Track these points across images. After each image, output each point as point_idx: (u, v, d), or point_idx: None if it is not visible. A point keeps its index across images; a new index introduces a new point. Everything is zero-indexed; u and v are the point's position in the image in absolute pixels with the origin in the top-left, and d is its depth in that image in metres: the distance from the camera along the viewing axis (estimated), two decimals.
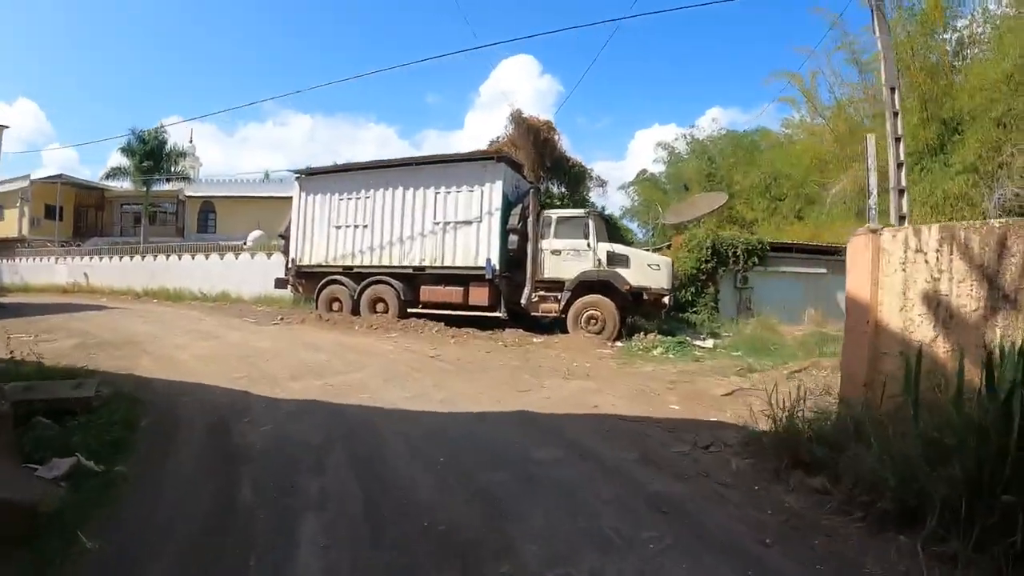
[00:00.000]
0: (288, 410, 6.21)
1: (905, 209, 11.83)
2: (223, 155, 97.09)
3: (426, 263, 13.96)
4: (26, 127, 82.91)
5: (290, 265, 15.79)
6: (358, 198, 14.84)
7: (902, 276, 4.73)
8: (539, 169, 17.73)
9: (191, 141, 42.93)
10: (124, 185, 35.11)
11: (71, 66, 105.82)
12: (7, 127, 28.49)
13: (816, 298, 17.92)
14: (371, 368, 8.80)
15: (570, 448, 5.07)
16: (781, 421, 4.73)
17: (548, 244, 13.23)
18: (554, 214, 13.59)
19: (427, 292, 13.92)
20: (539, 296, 13.29)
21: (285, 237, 16.27)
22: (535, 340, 12.50)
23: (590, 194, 20.68)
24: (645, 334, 12.63)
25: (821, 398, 5.28)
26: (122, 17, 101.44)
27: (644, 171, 33.74)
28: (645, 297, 12.62)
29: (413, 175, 14.25)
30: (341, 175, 15.25)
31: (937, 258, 4.50)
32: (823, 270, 17.87)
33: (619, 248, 13.35)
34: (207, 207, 36.82)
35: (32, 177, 35.08)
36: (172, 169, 34.08)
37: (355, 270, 14.80)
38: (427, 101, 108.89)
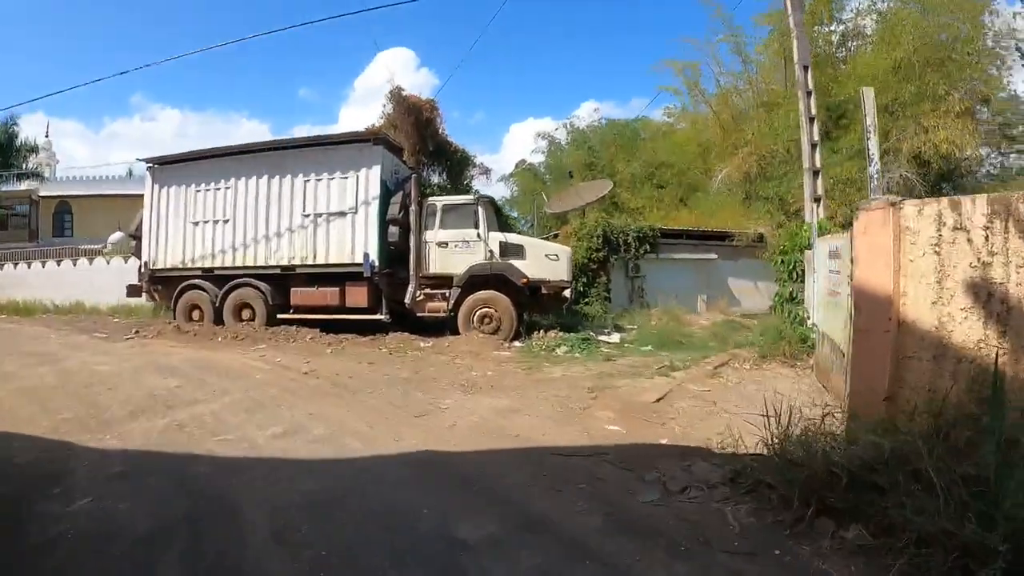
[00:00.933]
0: (117, 469, 4.49)
1: (820, 191, 11.41)
2: (90, 153, 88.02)
3: (296, 261, 12.21)
4: None
5: (143, 269, 13.50)
6: (217, 189, 12.81)
7: (934, 260, 3.81)
8: (420, 154, 16.16)
9: (47, 136, 38.06)
10: None
11: None
12: None
13: (707, 284, 17.85)
14: (233, 394, 7.10)
15: (506, 514, 3.66)
16: (776, 446, 3.67)
17: (433, 236, 11.91)
18: (439, 201, 12.30)
19: (299, 295, 12.19)
20: (425, 294, 11.93)
21: (137, 237, 13.88)
22: (423, 344, 11.17)
23: (473, 183, 19.46)
24: (545, 332, 11.69)
25: (807, 408, 4.15)
26: None
27: (523, 161, 33.00)
28: (544, 291, 11.55)
29: (279, 161, 12.43)
30: (198, 163, 13.10)
31: (987, 237, 3.60)
32: (713, 255, 17.78)
33: (513, 237, 12.27)
34: (63, 207, 32.55)
35: None
36: (24, 166, 29.95)
37: (216, 272, 12.78)
38: (300, 96, 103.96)
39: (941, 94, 13.77)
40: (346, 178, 12.00)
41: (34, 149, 30.10)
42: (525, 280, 11.33)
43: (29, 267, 22.60)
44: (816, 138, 11.23)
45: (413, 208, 11.79)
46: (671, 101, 26.81)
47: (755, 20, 19.80)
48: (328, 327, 11.92)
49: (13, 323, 17.26)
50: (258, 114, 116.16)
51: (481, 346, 10.67)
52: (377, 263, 11.66)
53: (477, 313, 11.46)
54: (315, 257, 12.07)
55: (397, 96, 15.33)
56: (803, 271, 10.38)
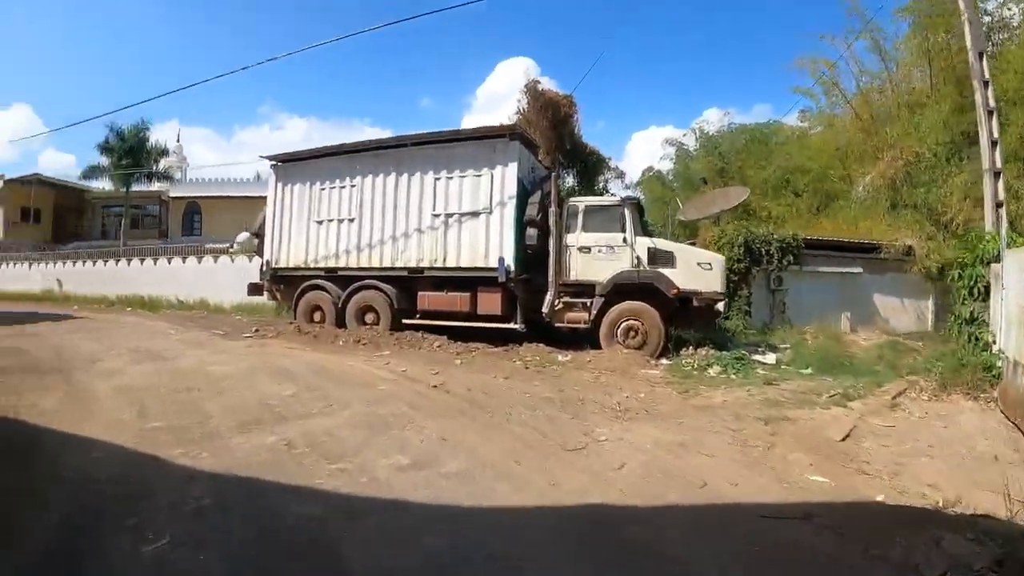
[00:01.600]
0: (207, 501, 3.62)
1: (1002, 194, 9.55)
2: (221, 159, 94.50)
3: (424, 264, 11.31)
4: (22, 130, 79.96)
5: (264, 268, 13.14)
6: (343, 187, 12.20)
7: None
8: (557, 152, 14.90)
9: (178, 140, 40.34)
10: (105, 186, 32.57)
11: (67, 70, 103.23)
12: None
13: (852, 300, 15.71)
14: (354, 408, 6.23)
15: None
16: None
17: (575, 239, 10.65)
18: (582, 202, 11.00)
19: (426, 299, 11.30)
20: (564, 303, 10.68)
21: (259, 235, 13.60)
22: (562, 358, 9.95)
23: (608, 187, 18.04)
24: (694, 348, 10.19)
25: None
26: (114, 18, 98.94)
27: (651, 168, 31.24)
28: (695, 303, 10.10)
29: (408, 158, 11.61)
30: (322, 161, 12.58)
31: None
32: (858, 269, 15.65)
33: (662, 243, 10.83)
34: (192, 208, 34.14)
35: (6, 177, 32.42)
36: (154, 168, 31.51)
37: (340, 273, 12.15)
38: (421, 105, 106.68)
39: None
40: (480, 176, 10.99)
41: (164, 152, 31.67)
42: (676, 291, 9.97)
43: (155, 264, 23.38)
44: (996, 135, 9.43)
45: (553, 209, 10.60)
46: (805, 104, 24.44)
47: (895, 14, 17.47)
48: (456, 335, 10.96)
49: (137, 317, 17.63)
50: (380, 122, 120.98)
51: (626, 363, 9.37)
52: (513, 268, 10.56)
53: (622, 326, 10.19)
54: (445, 260, 11.13)
55: (533, 90, 14.07)
56: (986, 288, 8.69)
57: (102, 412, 5.90)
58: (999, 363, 7.58)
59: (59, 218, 35.65)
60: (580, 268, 10.62)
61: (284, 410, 6.05)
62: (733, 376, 8.79)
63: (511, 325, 10.82)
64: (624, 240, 10.39)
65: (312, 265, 12.46)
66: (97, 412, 5.89)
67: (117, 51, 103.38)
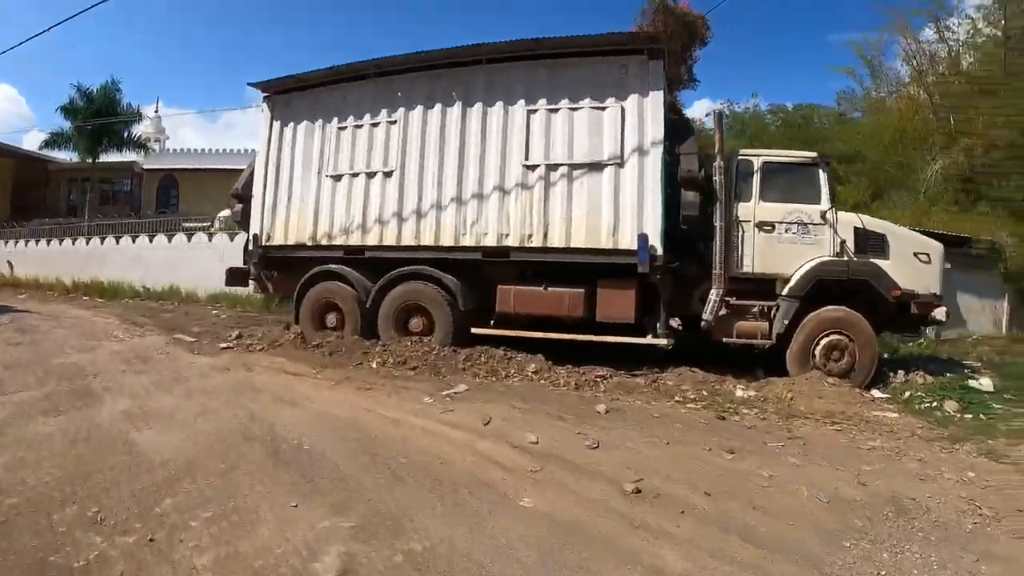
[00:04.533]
0: None
1: None
2: (207, 143, 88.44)
3: (510, 242, 6.92)
4: (5, 111, 72.96)
5: (251, 246, 8.60)
6: (375, 124, 7.75)
7: None
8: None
9: (156, 111, 35.08)
10: (72, 157, 27.58)
11: (48, 51, 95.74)
12: None
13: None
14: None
15: None
16: None
17: (750, 210, 6.62)
18: (759, 156, 6.90)
19: (512, 296, 6.89)
20: (732, 306, 6.60)
21: (244, 199, 8.98)
22: (742, 393, 6.01)
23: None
24: (906, 373, 6.69)
25: None
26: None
27: None
28: (913, 309, 6.44)
29: (485, 80, 7.24)
30: (343, 88, 8.10)
31: None
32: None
33: (871, 222, 6.86)
34: (168, 181, 29.08)
35: None
36: (127, 136, 26.54)
37: (368, 255, 7.69)
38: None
39: None
40: (602, 108, 6.70)
41: (138, 116, 26.62)
42: (897, 292, 6.32)
43: (118, 242, 18.70)
44: None
45: (718, 163, 6.48)
46: (845, 85, 21.73)
47: None
48: (554, 350, 6.72)
49: (86, 310, 12.96)
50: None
51: (841, 400, 5.75)
52: (660, 250, 6.35)
53: (822, 343, 6.36)
54: (545, 236, 6.75)
55: (663, 4, 9.32)
56: None
57: None
58: None
59: (19, 192, 30.42)
60: (760, 254, 6.59)
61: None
62: (982, 416, 5.63)
63: (649, 340, 6.60)
64: (823, 215, 6.41)
65: (324, 242, 7.97)
66: None
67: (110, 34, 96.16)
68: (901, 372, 6.72)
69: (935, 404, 5.88)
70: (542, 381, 6.10)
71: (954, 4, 16.07)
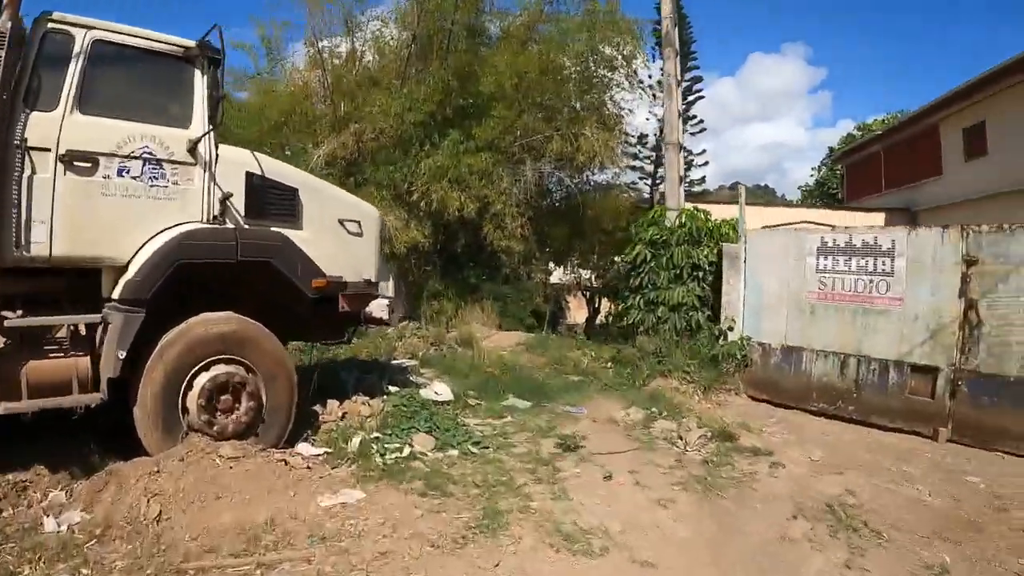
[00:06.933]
0: None
1: (682, 169, 9.47)
2: None
3: None
4: None
5: None
6: None
7: None
8: None
9: None
10: None
11: None
12: None
13: None
14: None
15: None
16: None
17: (52, 129, 3.48)
18: (87, 29, 3.67)
19: None
20: (11, 331, 3.54)
21: None
22: (48, 526, 3.09)
23: None
24: (340, 402, 5.35)
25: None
26: None
27: None
28: (343, 306, 5.07)
29: None
30: None
31: None
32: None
33: (276, 167, 4.96)
34: None
35: None
36: None
37: None
38: None
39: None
40: None
41: None
42: (321, 282, 4.39)
43: None
44: (682, 106, 9.08)
45: None
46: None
47: None
48: None
49: None
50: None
51: (259, 486, 3.46)
52: None
53: (202, 383, 3.85)
54: None
55: None
56: (710, 270, 7.80)
57: None
58: (743, 351, 7.00)
59: None
60: (68, 218, 3.45)
61: None
62: (492, 454, 4.67)
63: None
64: (194, 146, 3.85)
65: None
66: None
67: None
68: (333, 402, 5.15)
69: (401, 447, 4.49)
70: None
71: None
